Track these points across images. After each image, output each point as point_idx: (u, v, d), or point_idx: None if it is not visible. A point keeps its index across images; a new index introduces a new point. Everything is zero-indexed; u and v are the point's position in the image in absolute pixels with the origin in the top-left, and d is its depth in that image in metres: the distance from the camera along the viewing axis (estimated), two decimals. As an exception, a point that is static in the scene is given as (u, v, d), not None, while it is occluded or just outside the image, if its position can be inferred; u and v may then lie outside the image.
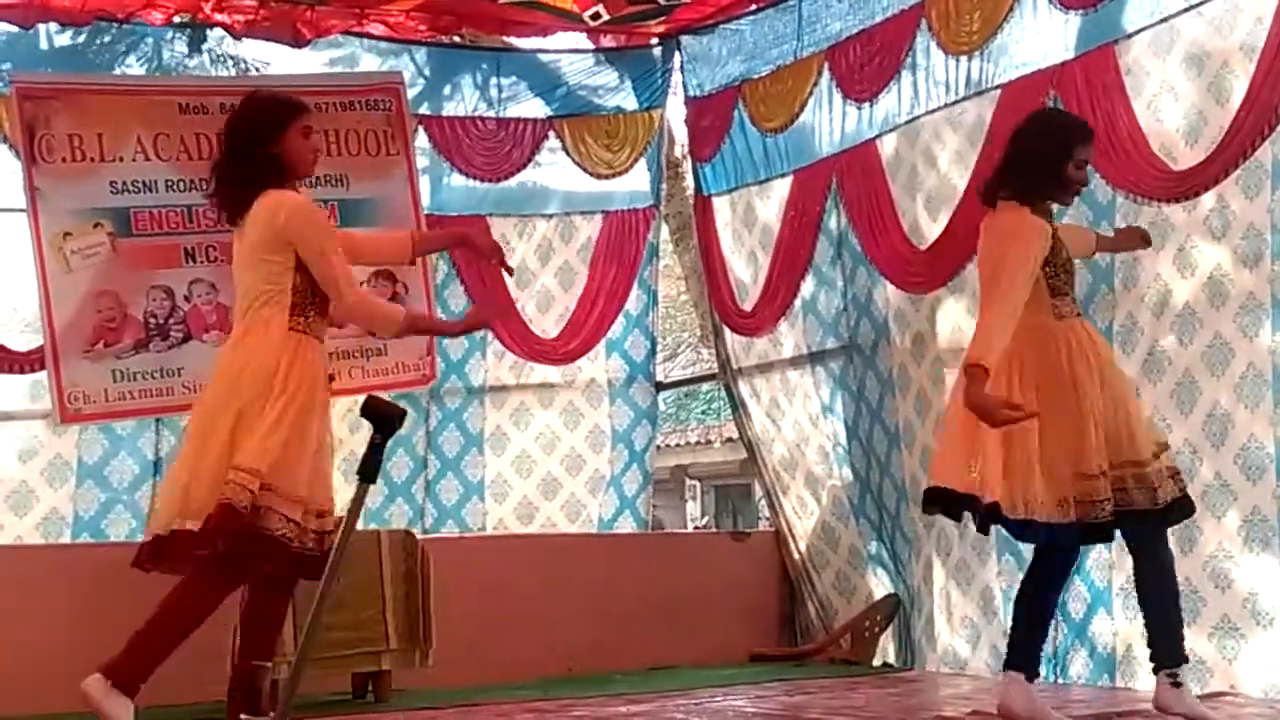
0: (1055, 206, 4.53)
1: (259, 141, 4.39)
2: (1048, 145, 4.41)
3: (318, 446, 4.32)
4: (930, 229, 6.05)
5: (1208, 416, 4.97)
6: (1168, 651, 4.32)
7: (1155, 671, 4.33)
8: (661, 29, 7.44)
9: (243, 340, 4.38)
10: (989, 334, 4.19)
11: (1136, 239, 4.91)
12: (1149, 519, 4.30)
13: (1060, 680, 5.45)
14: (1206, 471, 4.95)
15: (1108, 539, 4.48)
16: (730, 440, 14.32)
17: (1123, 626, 5.26)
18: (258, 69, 7.16)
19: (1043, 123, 4.61)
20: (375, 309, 4.78)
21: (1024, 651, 4.38)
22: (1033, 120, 4.61)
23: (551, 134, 7.43)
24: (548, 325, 7.47)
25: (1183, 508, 4.38)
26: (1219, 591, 4.93)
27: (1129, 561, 5.11)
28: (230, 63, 7.05)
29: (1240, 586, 4.88)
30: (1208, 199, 4.95)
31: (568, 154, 7.45)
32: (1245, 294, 4.87)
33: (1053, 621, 4.66)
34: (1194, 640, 4.97)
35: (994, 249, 4.38)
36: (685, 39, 7.48)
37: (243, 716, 4.53)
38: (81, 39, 6.54)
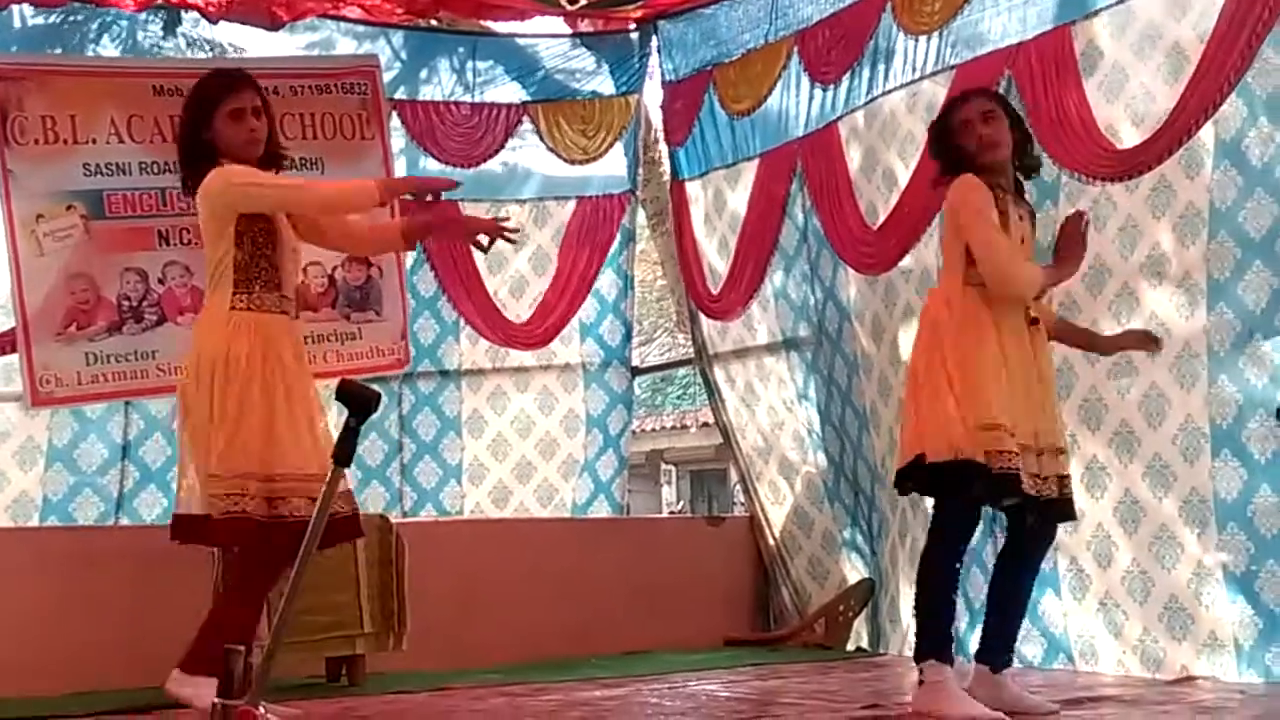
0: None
1: (192, 125, 4.31)
2: (944, 119, 4.47)
3: (293, 417, 4.26)
4: (886, 210, 6.08)
5: (1143, 397, 5.03)
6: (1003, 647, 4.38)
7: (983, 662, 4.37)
8: (639, 14, 7.43)
9: (196, 325, 4.44)
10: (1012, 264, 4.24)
11: (1135, 342, 4.76)
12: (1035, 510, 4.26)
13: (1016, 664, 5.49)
14: (1146, 451, 5.01)
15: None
16: (706, 425, 14.33)
17: (1071, 608, 5.31)
18: (233, 52, 7.12)
19: (942, 109, 4.66)
20: (343, 187, 4.68)
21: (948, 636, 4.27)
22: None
23: (526, 119, 7.42)
24: (521, 310, 7.46)
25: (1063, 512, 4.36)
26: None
27: (1074, 542, 5.22)
28: (205, 46, 7.01)
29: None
30: (1149, 178, 4.99)
31: (541, 139, 7.44)
32: (1183, 273, 4.92)
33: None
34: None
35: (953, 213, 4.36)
36: (662, 23, 7.48)
37: (215, 700, 4.53)
38: (54, 18, 6.49)
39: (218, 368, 4.20)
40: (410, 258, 7.09)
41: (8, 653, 5.25)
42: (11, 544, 5.77)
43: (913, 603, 4.37)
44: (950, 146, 4.38)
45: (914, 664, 4.25)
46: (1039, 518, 4.31)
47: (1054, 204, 5.35)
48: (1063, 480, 4.30)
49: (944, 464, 4.13)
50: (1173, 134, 4.80)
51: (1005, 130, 4.34)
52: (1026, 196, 4.52)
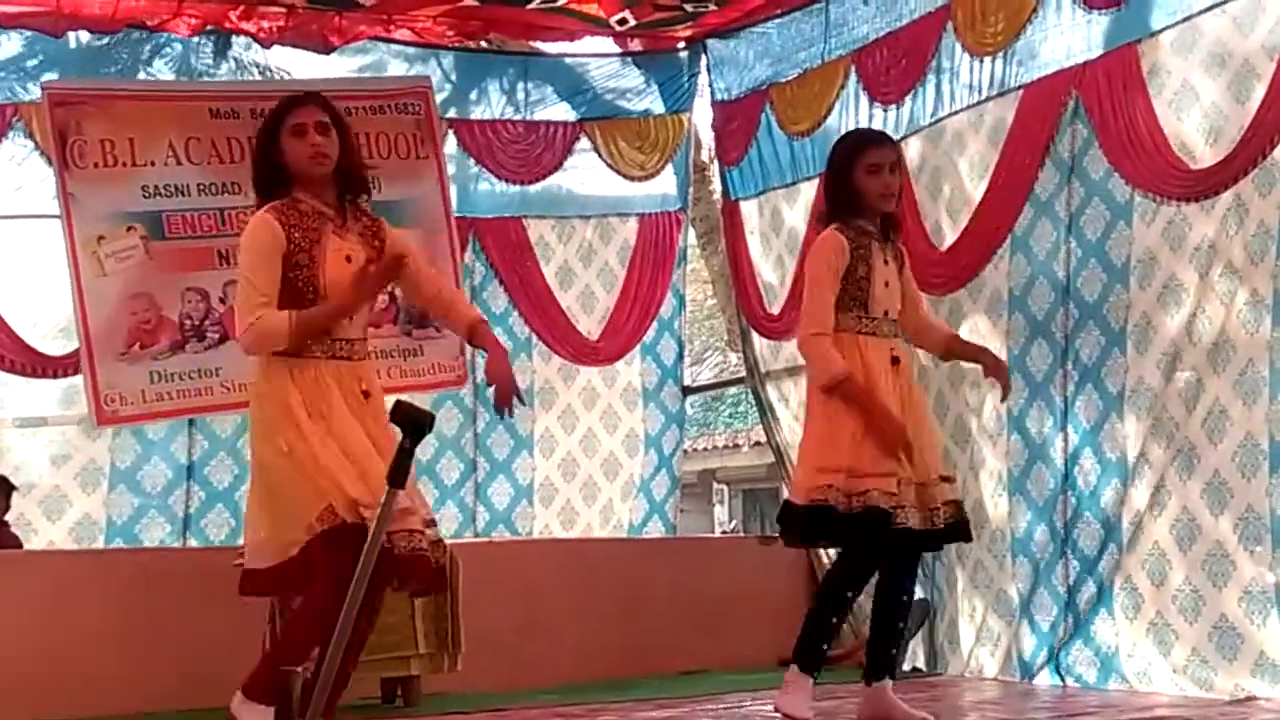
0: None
1: (263, 149, 4.16)
2: (833, 164, 4.64)
3: (351, 449, 3.97)
4: (952, 231, 6.06)
5: (1207, 414, 4.99)
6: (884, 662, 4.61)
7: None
8: (688, 33, 7.44)
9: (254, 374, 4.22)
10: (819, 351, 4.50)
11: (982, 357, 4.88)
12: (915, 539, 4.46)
13: (1070, 682, 5.47)
14: (1205, 468, 4.98)
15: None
16: (758, 444, 14.26)
17: (1124, 627, 5.27)
18: (284, 75, 7.16)
19: (833, 147, 4.76)
20: (262, 331, 4.02)
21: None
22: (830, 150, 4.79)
23: (583, 136, 7.46)
24: (591, 326, 7.53)
25: (953, 534, 4.55)
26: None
27: (1131, 561, 5.21)
28: (257, 69, 7.05)
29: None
30: (1224, 197, 4.95)
31: (599, 156, 7.47)
32: (1250, 290, 4.88)
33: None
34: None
35: (806, 267, 4.66)
36: (711, 42, 7.48)
37: (272, 720, 4.54)
38: (108, 40, 6.56)
39: (259, 421, 4.07)
40: (478, 275, 7.18)
41: (74, 674, 5.29)
42: (76, 565, 5.81)
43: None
44: (849, 189, 4.54)
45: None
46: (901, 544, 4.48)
47: (1127, 224, 5.33)
48: (953, 505, 4.54)
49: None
50: (1248, 153, 4.77)
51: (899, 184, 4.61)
52: (890, 240, 4.65)
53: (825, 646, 4.57)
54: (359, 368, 4.10)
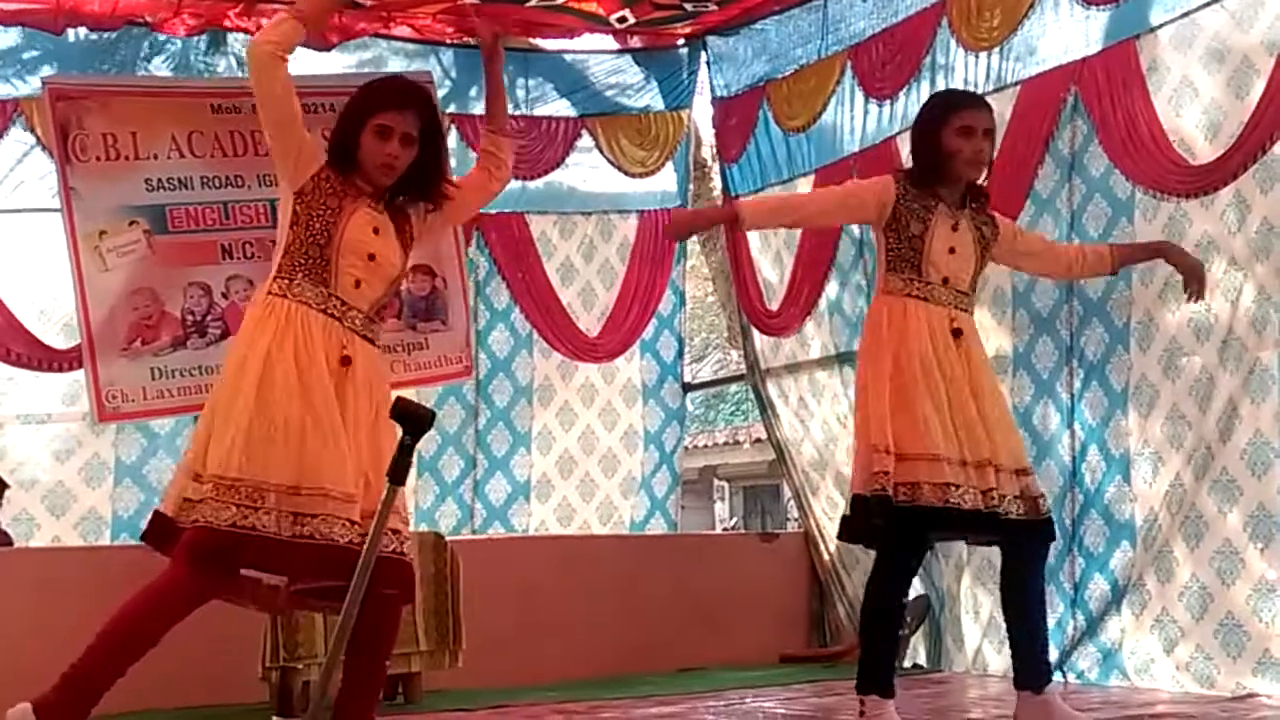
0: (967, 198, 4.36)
1: (340, 133, 3.91)
2: (922, 121, 4.36)
3: (310, 427, 3.70)
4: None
5: (1220, 413, 4.97)
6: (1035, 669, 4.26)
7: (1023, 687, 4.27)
8: (687, 30, 7.44)
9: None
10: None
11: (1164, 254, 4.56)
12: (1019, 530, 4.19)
13: (1072, 679, 5.47)
14: (1214, 468, 4.97)
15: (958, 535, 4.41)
16: (759, 441, 14.29)
17: (1129, 624, 5.28)
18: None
19: (922, 107, 4.50)
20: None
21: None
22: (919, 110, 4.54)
23: (584, 132, 7.46)
24: (591, 323, 7.54)
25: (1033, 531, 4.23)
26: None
27: (1144, 559, 5.19)
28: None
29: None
30: (1225, 194, 4.95)
31: (601, 152, 7.47)
32: (1257, 288, 4.87)
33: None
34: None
35: None
36: (711, 39, 7.49)
37: (274, 718, 4.55)
38: (108, 37, 6.56)
39: (235, 357, 3.85)
40: (481, 270, 7.20)
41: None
42: (80, 561, 5.78)
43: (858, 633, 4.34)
44: (937, 151, 4.23)
45: (856, 694, 4.25)
46: (1007, 539, 4.24)
47: (1129, 220, 5.33)
48: (1029, 501, 4.21)
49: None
50: (1248, 149, 4.76)
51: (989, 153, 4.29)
52: (973, 208, 4.34)
53: (889, 662, 4.24)
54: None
